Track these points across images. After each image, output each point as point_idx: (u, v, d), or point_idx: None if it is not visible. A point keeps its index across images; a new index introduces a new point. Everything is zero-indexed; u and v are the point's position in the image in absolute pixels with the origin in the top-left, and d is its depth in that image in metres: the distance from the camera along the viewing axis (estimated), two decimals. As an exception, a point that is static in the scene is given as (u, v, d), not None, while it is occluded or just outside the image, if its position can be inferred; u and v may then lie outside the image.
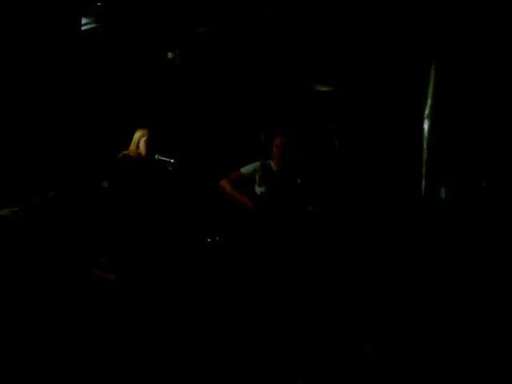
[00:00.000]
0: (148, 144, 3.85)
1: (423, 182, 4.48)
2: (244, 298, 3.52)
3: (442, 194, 4.50)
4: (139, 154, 3.87)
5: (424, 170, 4.49)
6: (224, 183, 4.01)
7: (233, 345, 3.07)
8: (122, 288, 3.11)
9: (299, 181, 4.00)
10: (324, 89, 5.65)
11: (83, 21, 4.52)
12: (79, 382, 2.58)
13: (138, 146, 3.87)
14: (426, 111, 4.45)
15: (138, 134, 3.91)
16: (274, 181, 3.99)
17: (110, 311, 2.96)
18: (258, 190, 4.01)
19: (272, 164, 4.06)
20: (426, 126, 4.47)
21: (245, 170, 4.05)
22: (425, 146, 4.47)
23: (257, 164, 4.06)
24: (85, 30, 4.57)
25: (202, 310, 3.33)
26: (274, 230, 3.82)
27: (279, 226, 3.83)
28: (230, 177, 4.04)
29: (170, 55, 5.37)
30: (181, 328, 3.14)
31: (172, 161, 3.86)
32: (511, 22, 4.24)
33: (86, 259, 3.01)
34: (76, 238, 2.99)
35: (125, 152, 3.87)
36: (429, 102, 4.43)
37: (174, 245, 3.72)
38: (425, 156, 4.48)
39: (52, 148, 3.92)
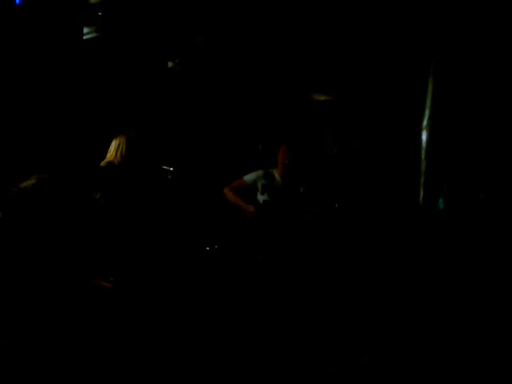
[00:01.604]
0: (142, 151, 3.67)
1: (421, 192, 4.49)
2: (244, 303, 3.53)
3: (441, 204, 4.51)
4: (125, 162, 3.62)
5: (422, 180, 4.51)
6: (226, 191, 4.02)
7: (232, 348, 3.08)
8: (120, 296, 3.11)
9: (302, 189, 4.01)
10: (323, 98, 5.68)
11: (84, 30, 4.56)
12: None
13: (122, 154, 3.60)
14: (424, 122, 4.47)
15: (118, 142, 3.65)
16: (276, 189, 4.00)
17: (108, 320, 2.96)
18: (261, 198, 4.02)
19: (275, 172, 4.07)
20: (424, 136, 4.49)
21: (247, 177, 4.06)
22: (423, 157, 4.49)
23: (259, 172, 4.07)
24: (86, 39, 4.61)
25: (201, 314, 3.34)
26: (276, 238, 3.82)
27: (281, 234, 3.84)
28: (232, 185, 4.05)
29: (169, 64, 5.41)
30: (180, 332, 3.14)
31: (171, 169, 3.84)
32: (509, 32, 4.27)
33: (82, 268, 3.00)
34: (72, 248, 2.98)
35: (108, 160, 3.64)
36: (427, 112, 4.46)
37: (173, 253, 3.72)
38: (423, 166, 4.50)
39: (48, 154, 3.92)
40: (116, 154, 3.65)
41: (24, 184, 2.81)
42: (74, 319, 2.80)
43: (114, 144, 3.68)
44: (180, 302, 3.36)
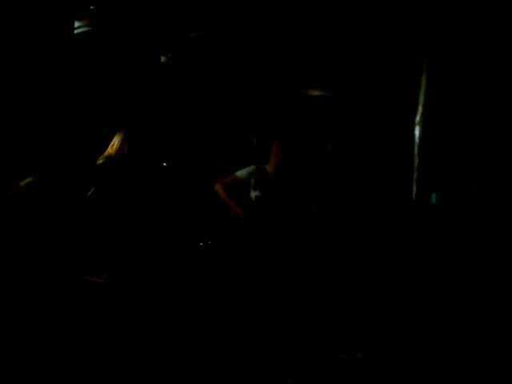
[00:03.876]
0: (136, 147, 3.64)
1: (414, 188, 4.50)
2: (237, 299, 3.53)
3: (433, 199, 4.52)
4: (125, 158, 3.57)
5: (415, 176, 4.52)
6: (218, 188, 3.98)
7: (229, 344, 3.08)
8: (112, 293, 3.10)
9: (294, 185, 4.01)
10: (316, 93, 5.68)
11: (76, 24, 4.52)
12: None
13: (121, 150, 3.56)
14: (417, 118, 4.48)
15: (120, 137, 3.61)
16: (269, 185, 3.98)
17: (101, 316, 2.95)
18: (253, 194, 3.99)
19: (267, 168, 4.05)
20: (417, 132, 4.50)
21: (240, 173, 4.02)
22: (416, 152, 4.50)
23: (252, 168, 4.04)
24: (78, 34, 4.57)
25: (195, 311, 3.33)
26: (268, 235, 3.82)
27: (274, 231, 3.83)
28: (225, 181, 4.00)
29: (162, 59, 5.38)
30: (173, 327, 3.14)
31: (165, 164, 3.81)
32: (502, 30, 4.29)
33: (75, 263, 2.99)
34: (64, 243, 2.96)
35: (105, 155, 3.59)
36: (420, 108, 4.46)
37: (167, 249, 3.70)
38: (416, 162, 4.51)
39: (40, 151, 3.88)
40: (114, 148, 3.62)
41: (22, 183, 2.83)
42: (66, 315, 2.79)
43: (114, 139, 3.65)
44: (175, 299, 3.36)
